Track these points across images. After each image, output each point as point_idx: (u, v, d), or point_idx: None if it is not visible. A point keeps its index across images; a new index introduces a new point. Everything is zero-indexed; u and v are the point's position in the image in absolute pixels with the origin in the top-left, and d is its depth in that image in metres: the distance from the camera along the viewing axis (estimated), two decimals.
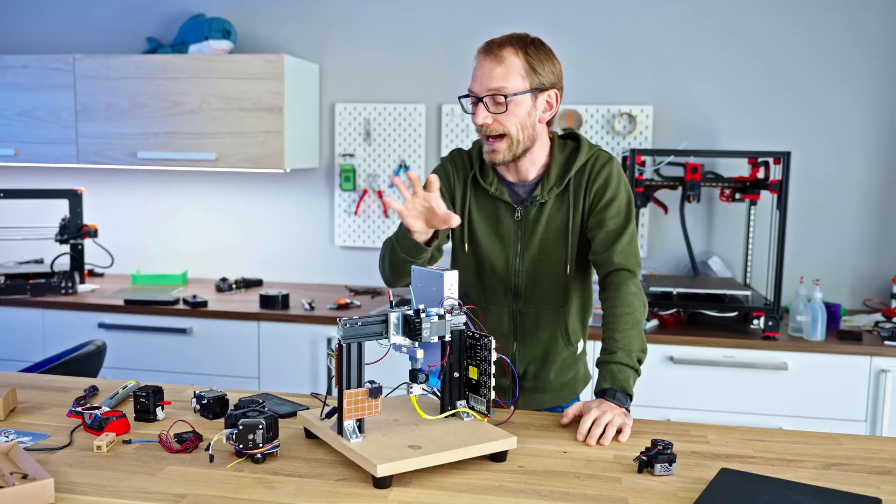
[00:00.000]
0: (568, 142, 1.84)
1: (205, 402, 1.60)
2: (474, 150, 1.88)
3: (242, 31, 3.59)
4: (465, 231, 1.85)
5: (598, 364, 1.67)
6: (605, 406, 1.56)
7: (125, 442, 1.47)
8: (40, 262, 3.67)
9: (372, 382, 1.38)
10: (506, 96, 1.67)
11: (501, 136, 1.71)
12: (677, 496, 1.28)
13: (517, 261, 1.82)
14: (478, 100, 1.70)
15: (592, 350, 2.61)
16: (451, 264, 1.89)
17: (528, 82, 1.69)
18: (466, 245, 1.85)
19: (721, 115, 3.31)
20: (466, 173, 1.86)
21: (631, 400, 1.62)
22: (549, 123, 1.78)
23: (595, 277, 1.86)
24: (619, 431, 1.53)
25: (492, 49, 1.69)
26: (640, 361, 1.66)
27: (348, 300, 3.22)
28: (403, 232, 1.66)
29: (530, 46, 1.70)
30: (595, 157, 1.79)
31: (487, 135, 1.72)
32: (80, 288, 3.36)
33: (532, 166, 1.80)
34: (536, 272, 1.82)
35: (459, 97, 1.77)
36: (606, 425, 1.52)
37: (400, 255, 1.69)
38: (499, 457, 1.40)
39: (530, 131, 1.73)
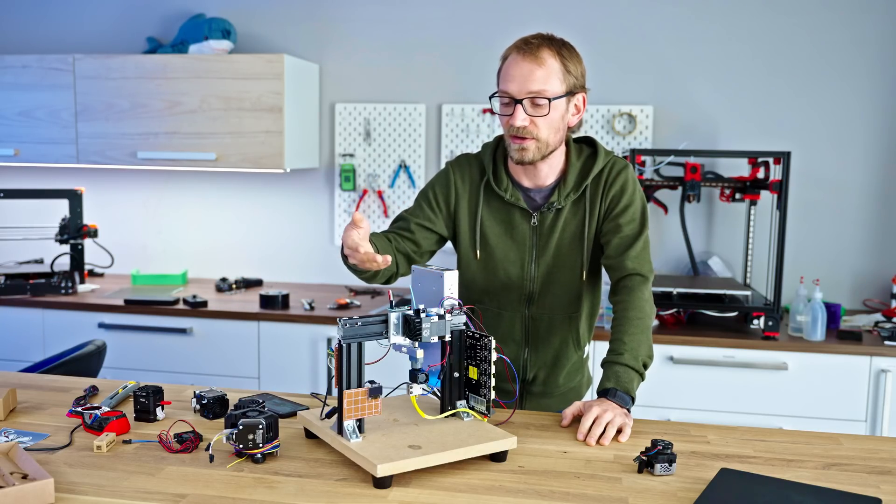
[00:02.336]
0: (583, 147, 1.82)
1: (205, 402, 1.60)
2: (485, 155, 1.83)
3: (242, 31, 3.59)
4: (476, 239, 1.83)
5: (604, 364, 1.66)
6: (607, 405, 1.56)
7: (125, 442, 1.47)
8: (40, 262, 3.67)
9: (372, 382, 1.38)
10: (549, 99, 1.64)
11: (533, 136, 1.68)
12: (677, 496, 1.28)
13: (532, 267, 1.81)
14: (515, 101, 1.66)
15: (594, 352, 2.60)
16: (461, 270, 1.85)
17: (565, 85, 1.67)
18: (478, 252, 1.83)
19: (721, 115, 3.31)
20: (475, 180, 1.83)
21: (633, 402, 1.62)
22: (570, 127, 1.76)
23: (605, 281, 1.85)
24: (619, 431, 1.53)
25: (529, 49, 1.64)
26: (645, 366, 1.66)
27: (348, 300, 3.22)
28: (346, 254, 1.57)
29: (563, 48, 1.67)
30: (612, 164, 1.78)
31: (520, 136, 1.68)
32: (80, 288, 3.36)
33: (550, 171, 1.78)
34: (551, 278, 1.81)
35: (490, 96, 1.74)
36: (607, 425, 1.52)
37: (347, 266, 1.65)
38: (499, 457, 1.40)
39: (561, 134, 1.72)
